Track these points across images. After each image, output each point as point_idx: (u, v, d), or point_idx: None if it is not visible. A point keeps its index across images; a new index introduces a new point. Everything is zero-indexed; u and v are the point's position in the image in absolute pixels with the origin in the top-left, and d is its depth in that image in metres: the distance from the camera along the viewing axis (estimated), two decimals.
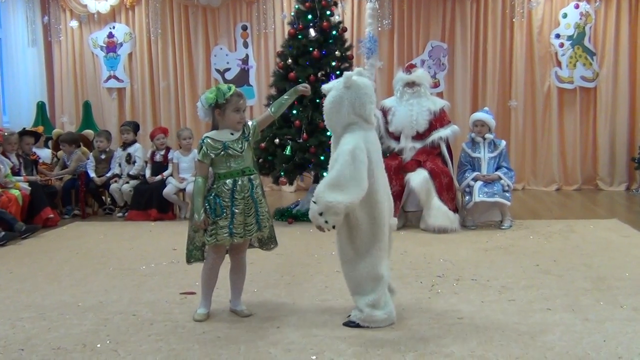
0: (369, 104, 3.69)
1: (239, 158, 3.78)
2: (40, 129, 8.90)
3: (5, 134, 7.89)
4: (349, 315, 3.77)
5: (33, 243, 6.54)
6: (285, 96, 4.10)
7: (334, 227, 3.48)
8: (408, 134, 7.13)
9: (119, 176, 8.42)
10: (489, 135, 6.98)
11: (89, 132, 9.37)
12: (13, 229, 6.63)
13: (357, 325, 3.68)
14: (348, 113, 3.66)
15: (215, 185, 3.78)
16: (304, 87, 4.10)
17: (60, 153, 9.00)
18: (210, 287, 3.96)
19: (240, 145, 3.78)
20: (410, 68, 7.34)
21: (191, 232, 3.90)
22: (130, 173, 8.38)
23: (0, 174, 7.20)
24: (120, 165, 8.53)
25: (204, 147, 3.75)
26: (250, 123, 3.91)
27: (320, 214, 3.43)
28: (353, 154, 3.52)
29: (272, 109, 4.04)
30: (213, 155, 3.74)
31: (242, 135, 3.82)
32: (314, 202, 3.46)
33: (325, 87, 3.84)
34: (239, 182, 3.76)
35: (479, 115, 7.12)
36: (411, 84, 7.15)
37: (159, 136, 8.32)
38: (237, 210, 3.75)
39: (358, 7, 10.32)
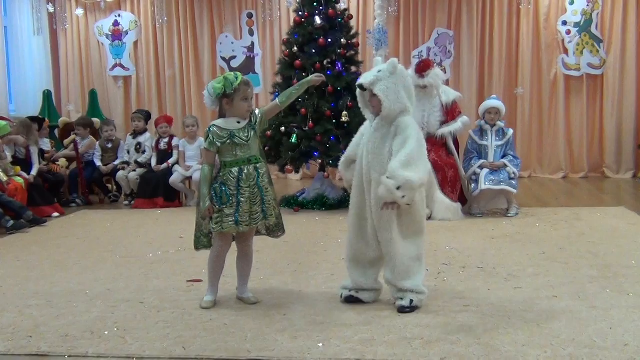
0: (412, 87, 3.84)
1: (245, 147, 3.78)
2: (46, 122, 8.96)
3: (14, 123, 7.90)
4: (401, 303, 3.75)
5: (40, 231, 6.57)
6: (295, 87, 4.08)
7: (408, 204, 3.57)
8: None
9: (127, 163, 8.44)
10: (499, 123, 6.95)
11: (95, 121, 9.38)
12: (21, 217, 6.65)
13: (415, 308, 3.75)
14: (404, 98, 3.71)
15: (221, 174, 3.78)
16: (318, 77, 4.08)
17: (67, 141, 9.02)
18: (217, 274, 3.97)
19: (246, 134, 3.78)
20: (424, 71, 7.06)
21: (199, 219, 3.92)
22: (139, 160, 8.39)
23: (6, 162, 7.24)
24: (128, 152, 8.54)
25: (210, 136, 3.76)
26: (256, 111, 3.91)
27: (398, 189, 3.51)
28: (419, 135, 3.68)
29: (281, 99, 4.02)
30: (219, 144, 3.75)
31: (249, 124, 3.82)
32: (389, 178, 3.53)
33: (365, 80, 3.78)
34: (245, 171, 3.77)
35: (493, 102, 7.05)
36: (423, 87, 6.98)
37: (162, 125, 8.34)
38: (242, 199, 3.75)
39: None
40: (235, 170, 3.76)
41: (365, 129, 3.87)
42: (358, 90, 3.81)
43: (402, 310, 3.71)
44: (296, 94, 4.09)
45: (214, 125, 3.79)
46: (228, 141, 3.75)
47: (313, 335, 3.37)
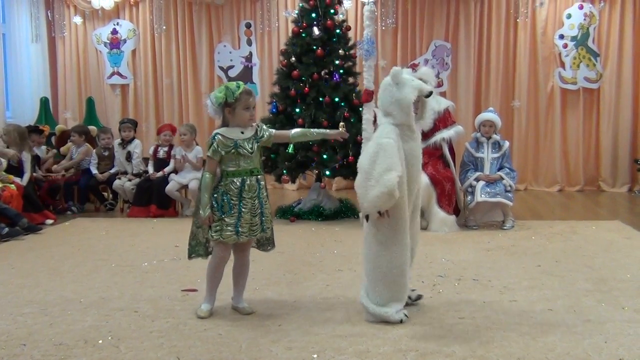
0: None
1: (248, 158, 3.78)
2: (46, 127, 8.94)
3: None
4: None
5: (35, 238, 6.55)
6: (313, 131, 4.12)
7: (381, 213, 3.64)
8: None
9: (125, 173, 8.43)
10: (495, 136, 6.97)
11: (92, 128, 9.38)
12: (17, 225, 6.63)
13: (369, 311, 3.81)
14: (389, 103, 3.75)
15: (222, 183, 3.77)
16: (342, 132, 4.08)
17: (64, 148, 9.01)
18: (215, 284, 3.95)
19: (251, 146, 3.79)
20: (414, 67, 7.30)
21: (194, 227, 3.92)
22: (135, 173, 8.39)
23: (1, 167, 7.24)
24: (119, 161, 8.54)
25: (214, 144, 3.74)
26: (266, 130, 3.91)
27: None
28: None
29: (294, 134, 4.04)
30: (223, 153, 3.73)
31: (254, 137, 3.83)
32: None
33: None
34: (248, 182, 3.77)
35: (488, 115, 7.08)
36: None
37: (165, 132, 8.34)
38: (244, 209, 3.75)
39: (362, 5, 10.32)
40: (237, 180, 3.76)
41: (397, 143, 3.67)
42: (419, 97, 3.76)
43: (419, 297, 4.10)
44: (310, 138, 4.15)
45: (219, 133, 3.78)
46: (233, 150, 3.75)
47: (308, 347, 3.37)
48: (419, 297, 4.09)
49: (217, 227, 3.76)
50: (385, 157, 3.57)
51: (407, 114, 3.68)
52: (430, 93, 3.78)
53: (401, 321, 3.70)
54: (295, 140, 4.11)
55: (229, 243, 3.83)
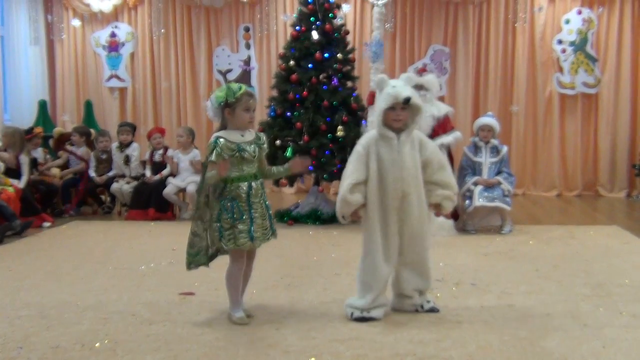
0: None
1: (251, 162, 3.75)
2: (40, 129, 8.91)
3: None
4: (431, 305, 4.05)
5: (32, 241, 6.54)
6: (280, 169, 4.01)
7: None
8: None
9: (123, 176, 8.42)
10: (493, 141, 6.96)
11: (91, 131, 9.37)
12: (10, 225, 6.61)
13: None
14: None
15: (228, 189, 3.71)
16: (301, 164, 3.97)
17: (61, 153, 8.99)
18: (238, 290, 3.86)
19: (253, 149, 3.74)
20: (421, 72, 7.18)
21: (191, 236, 3.85)
22: (133, 176, 8.38)
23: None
24: (118, 164, 8.53)
25: (217, 148, 3.64)
26: (265, 143, 3.86)
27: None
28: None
29: (270, 171, 3.96)
30: (227, 157, 3.66)
31: (255, 141, 3.79)
32: (446, 189, 3.95)
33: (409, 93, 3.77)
34: (254, 186, 3.74)
35: (486, 120, 7.07)
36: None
37: (155, 135, 8.32)
38: (256, 214, 3.72)
39: (361, 9, 10.36)
40: (244, 185, 3.71)
41: (369, 148, 3.78)
42: (383, 107, 3.71)
43: (433, 309, 4.03)
44: (276, 175, 4.08)
45: (221, 137, 3.69)
46: (237, 154, 3.68)
47: (305, 350, 3.36)
48: (432, 309, 4.02)
49: (230, 236, 3.69)
50: (349, 163, 3.83)
51: (378, 122, 3.77)
52: (408, 99, 3.71)
53: (359, 317, 3.81)
54: (266, 177, 3.97)
55: (245, 250, 3.79)
